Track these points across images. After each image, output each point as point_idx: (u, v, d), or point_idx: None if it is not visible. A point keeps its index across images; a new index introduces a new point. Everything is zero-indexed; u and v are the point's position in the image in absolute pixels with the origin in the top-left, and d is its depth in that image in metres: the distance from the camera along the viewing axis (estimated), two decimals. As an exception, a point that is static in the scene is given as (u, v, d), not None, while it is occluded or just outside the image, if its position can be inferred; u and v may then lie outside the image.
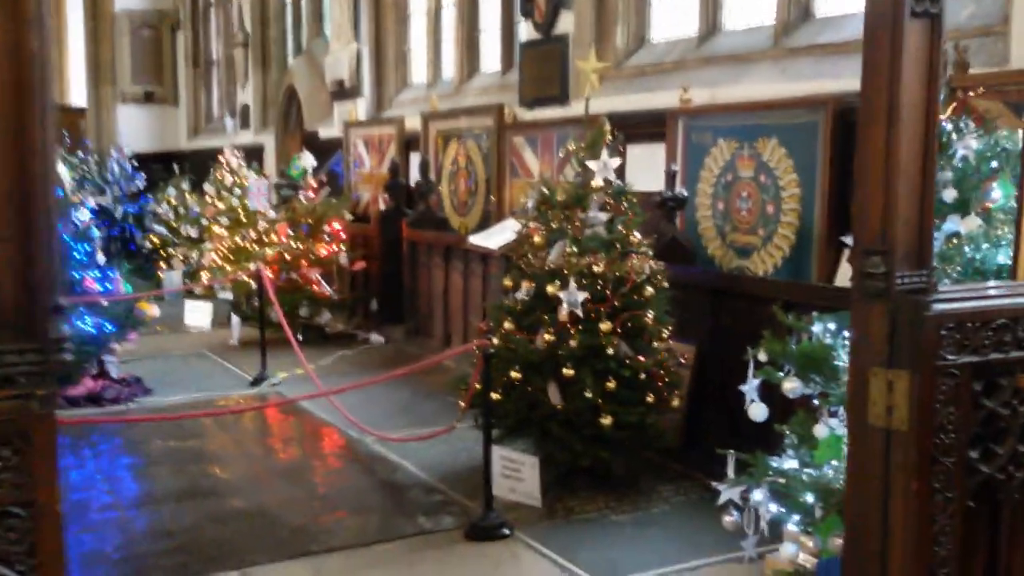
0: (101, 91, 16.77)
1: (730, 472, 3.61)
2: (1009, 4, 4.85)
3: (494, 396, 4.81)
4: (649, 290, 4.98)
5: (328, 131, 11.88)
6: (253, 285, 8.28)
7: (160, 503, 5.08)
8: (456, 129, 9.07)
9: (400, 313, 9.02)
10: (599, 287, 4.88)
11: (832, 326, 3.41)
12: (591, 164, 5.01)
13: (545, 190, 5.20)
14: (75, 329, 6.79)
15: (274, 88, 13.60)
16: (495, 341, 4.97)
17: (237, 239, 10.62)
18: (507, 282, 5.28)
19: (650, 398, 4.92)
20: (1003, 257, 3.33)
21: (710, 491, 3.98)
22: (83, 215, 7.90)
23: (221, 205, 11.42)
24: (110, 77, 16.71)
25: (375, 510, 4.96)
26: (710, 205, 6.26)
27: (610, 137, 5.10)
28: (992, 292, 2.22)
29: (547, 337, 4.89)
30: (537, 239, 5.10)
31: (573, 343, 4.83)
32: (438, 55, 10.46)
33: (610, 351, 4.82)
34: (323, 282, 8.92)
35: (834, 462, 3.32)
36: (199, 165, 13.89)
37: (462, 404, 5.03)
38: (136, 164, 13.74)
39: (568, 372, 4.81)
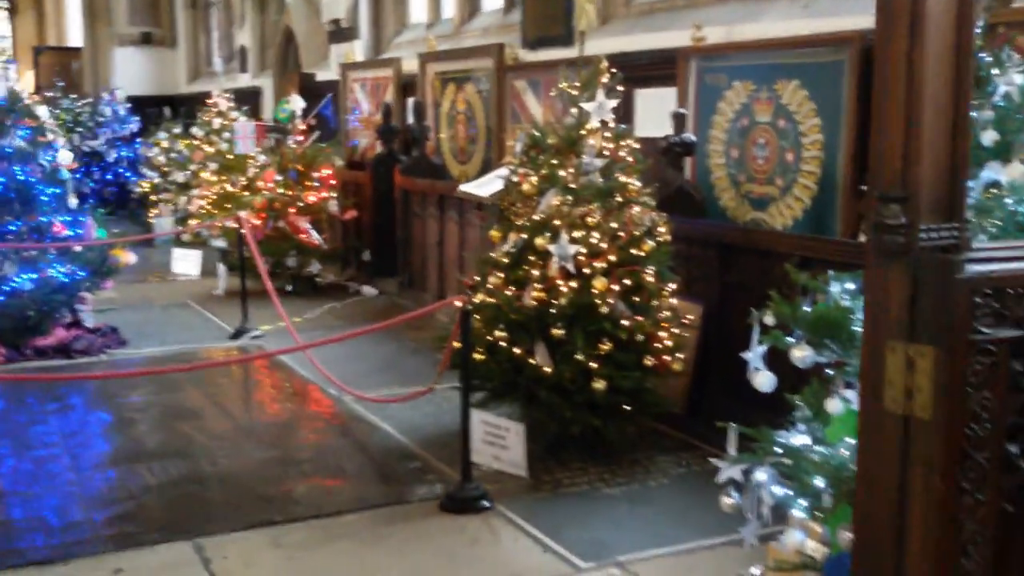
0: (97, 31, 16.39)
1: (731, 448, 3.22)
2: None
3: (477, 357, 4.45)
4: (649, 244, 4.60)
5: (326, 74, 11.50)
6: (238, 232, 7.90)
7: (117, 464, 4.76)
8: (455, 71, 8.61)
9: (394, 265, 8.65)
10: (594, 240, 4.47)
11: (851, 286, 3.00)
12: (586, 106, 4.57)
13: (536, 132, 4.77)
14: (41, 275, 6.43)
15: (272, 29, 13.21)
16: (481, 297, 4.59)
17: (227, 186, 10.25)
18: (494, 233, 4.87)
19: (648, 361, 4.55)
20: (1051, 211, 2.92)
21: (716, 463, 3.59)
22: (63, 156, 7.50)
23: (210, 149, 11.02)
24: (106, 17, 16.31)
25: (347, 476, 4.63)
26: (723, 152, 5.82)
27: (607, 76, 4.65)
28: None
29: (535, 294, 4.49)
30: (526, 187, 4.67)
31: (563, 301, 4.43)
32: (438, -8, 10.06)
33: (604, 310, 4.43)
34: (312, 231, 8.52)
35: (849, 440, 2.93)
36: (198, 109, 13.54)
37: (440, 365, 4.65)
38: (132, 107, 13.42)
39: (557, 332, 4.42)
